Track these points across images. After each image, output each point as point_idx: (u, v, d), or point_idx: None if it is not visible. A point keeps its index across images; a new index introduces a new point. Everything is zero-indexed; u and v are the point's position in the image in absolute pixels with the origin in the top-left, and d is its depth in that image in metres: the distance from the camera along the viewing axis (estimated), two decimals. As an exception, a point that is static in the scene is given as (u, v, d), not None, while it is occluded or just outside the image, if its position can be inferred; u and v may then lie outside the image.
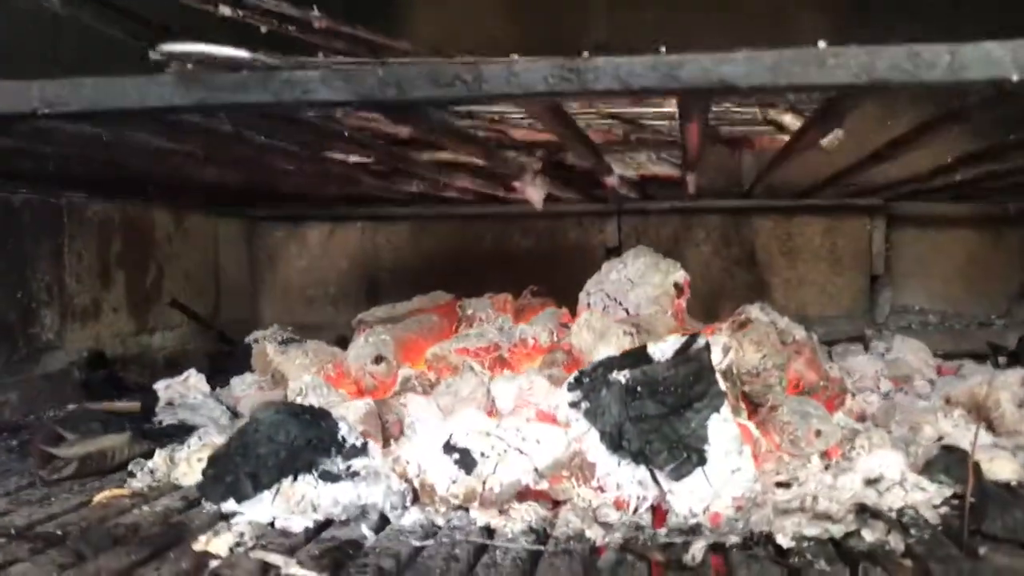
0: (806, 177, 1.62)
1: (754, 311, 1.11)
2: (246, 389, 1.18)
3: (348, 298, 1.84)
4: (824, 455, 0.90)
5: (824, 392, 1.10)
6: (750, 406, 0.95)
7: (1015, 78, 0.46)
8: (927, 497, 0.77)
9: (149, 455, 0.91)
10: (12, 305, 1.21)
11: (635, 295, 1.19)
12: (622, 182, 1.17)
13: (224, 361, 1.42)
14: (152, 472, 0.88)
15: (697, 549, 0.65)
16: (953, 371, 1.33)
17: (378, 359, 1.09)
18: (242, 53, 0.65)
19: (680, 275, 1.20)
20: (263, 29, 0.67)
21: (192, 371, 1.16)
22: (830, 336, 1.61)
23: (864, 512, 0.68)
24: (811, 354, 1.13)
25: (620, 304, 1.19)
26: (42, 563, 0.64)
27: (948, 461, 0.80)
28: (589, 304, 1.22)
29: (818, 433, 0.91)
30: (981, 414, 1.00)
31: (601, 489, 0.77)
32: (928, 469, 0.80)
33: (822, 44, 0.45)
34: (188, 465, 0.86)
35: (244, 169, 1.08)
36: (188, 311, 1.49)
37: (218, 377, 1.22)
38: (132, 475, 0.87)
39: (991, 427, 1.00)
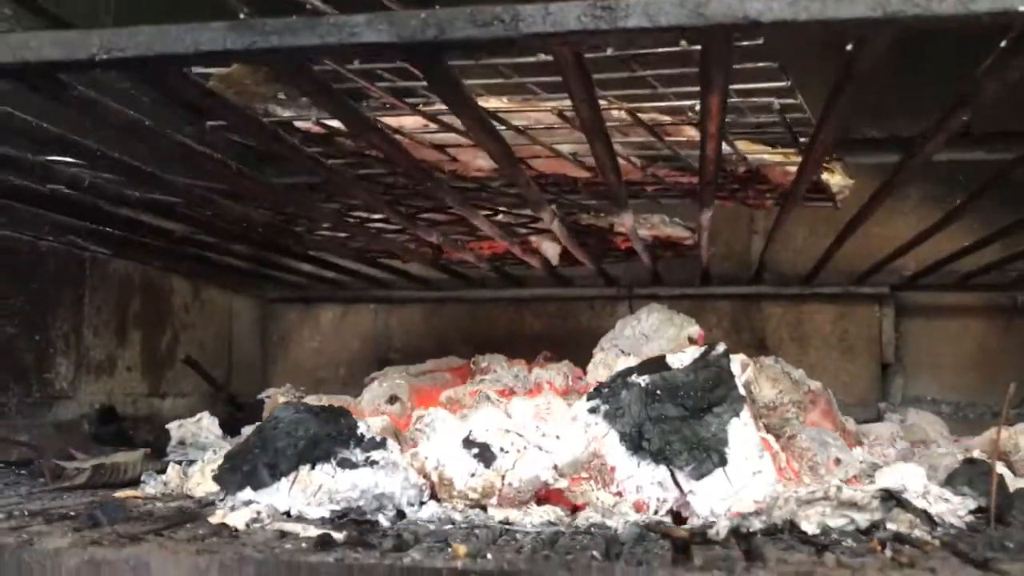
0: (812, 261, 1.65)
1: (767, 360, 1.11)
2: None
3: (358, 379, 1.83)
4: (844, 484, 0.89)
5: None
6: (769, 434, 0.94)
7: (1021, 8, 0.48)
8: (951, 508, 0.76)
9: (162, 472, 0.90)
10: (30, 347, 1.22)
11: (649, 348, 1.19)
12: (636, 237, 1.19)
13: (234, 427, 1.41)
14: (165, 484, 0.87)
15: (721, 527, 0.64)
16: (967, 440, 1.32)
17: (392, 399, 1.09)
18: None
19: (695, 329, 1.21)
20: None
21: (205, 413, 1.15)
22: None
23: (890, 500, 0.67)
24: (827, 405, 1.13)
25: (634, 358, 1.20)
26: (57, 528, 0.63)
27: (971, 473, 0.79)
28: (605, 357, 1.22)
29: (838, 461, 0.90)
30: (1001, 457, 0.99)
31: (620, 494, 0.76)
32: (951, 481, 0.79)
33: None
34: (202, 475, 0.85)
35: (263, 212, 1.10)
36: (201, 370, 1.49)
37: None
38: (144, 483, 0.86)
39: (1011, 469, 0.99)
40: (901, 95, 1.57)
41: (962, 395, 1.82)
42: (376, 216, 1.17)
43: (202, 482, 0.85)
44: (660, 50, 0.71)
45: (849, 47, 0.56)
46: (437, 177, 0.90)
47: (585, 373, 1.22)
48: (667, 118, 0.89)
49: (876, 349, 1.83)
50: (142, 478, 0.88)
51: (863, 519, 0.68)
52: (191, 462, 0.93)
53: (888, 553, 0.59)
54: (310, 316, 1.91)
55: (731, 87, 0.77)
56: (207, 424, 1.14)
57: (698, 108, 0.71)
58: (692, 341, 1.21)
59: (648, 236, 1.29)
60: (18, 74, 0.59)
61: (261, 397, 1.33)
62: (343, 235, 1.28)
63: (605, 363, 1.05)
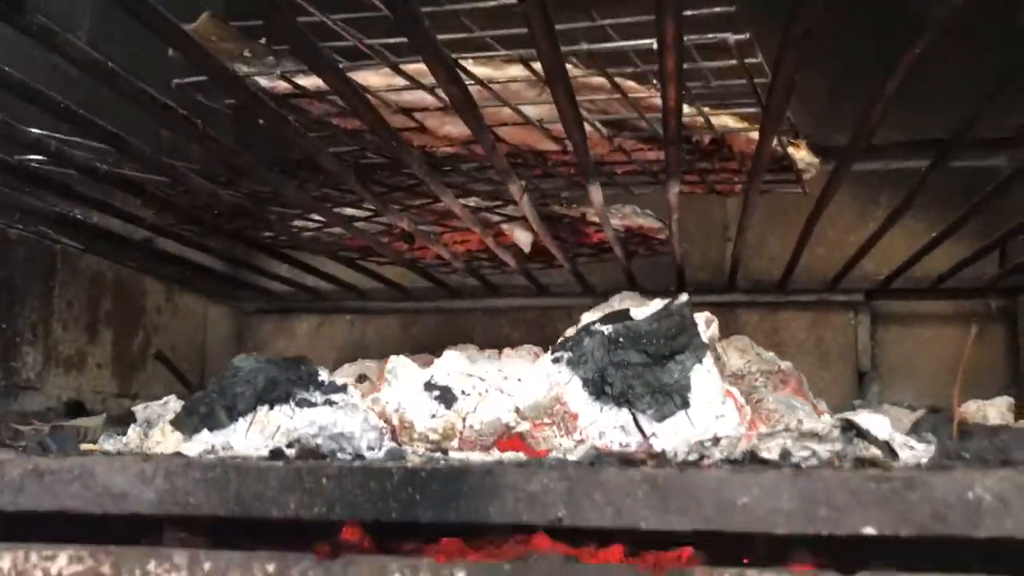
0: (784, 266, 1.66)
1: (736, 341, 1.11)
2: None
3: (334, 390, 1.83)
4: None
5: (812, 420, 1.09)
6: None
7: None
8: (916, 454, 0.76)
9: (123, 433, 0.89)
10: (-4, 334, 1.21)
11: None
12: (607, 223, 1.20)
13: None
14: (125, 444, 0.86)
15: (680, 451, 0.64)
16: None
17: (361, 377, 1.09)
18: None
19: (665, 314, 1.21)
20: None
21: (172, 396, 1.14)
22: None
23: (851, 430, 0.67)
24: (798, 384, 1.13)
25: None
26: (6, 452, 0.62)
27: (935, 421, 0.79)
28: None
29: (800, 423, 0.90)
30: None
31: (583, 440, 0.76)
32: (915, 429, 0.79)
33: None
34: (162, 434, 0.84)
35: (231, 194, 1.10)
36: (172, 367, 1.48)
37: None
38: (103, 442, 0.85)
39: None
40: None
41: (938, 401, 1.80)
42: (347, 200, 1.18)
43: (162, 441, 0.84)
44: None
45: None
46: (406, 139, 0.91)
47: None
48: (631, 83, 0.90)
49: (852, 356, 1.83)
50: (100, 439, 0.86)
51: (824, 450, 0.67)
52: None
53: (846, 466, 0.59)
54: (286, 327, 1.90)
55: (689, 39, 0.79)
56: (173, 407, 1.13)
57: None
58: (663, 326, 1.20)
59: (620, 227, 1.30)
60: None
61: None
62: (315, 225, 1.28)
63: (574, 338, 1.04)
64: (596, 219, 1.22)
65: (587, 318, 0.86)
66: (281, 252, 1.48)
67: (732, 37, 0.72)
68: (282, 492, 0.52)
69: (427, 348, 1.88)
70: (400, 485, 0.51)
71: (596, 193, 1.06)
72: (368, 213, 1.23)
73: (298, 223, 1.28)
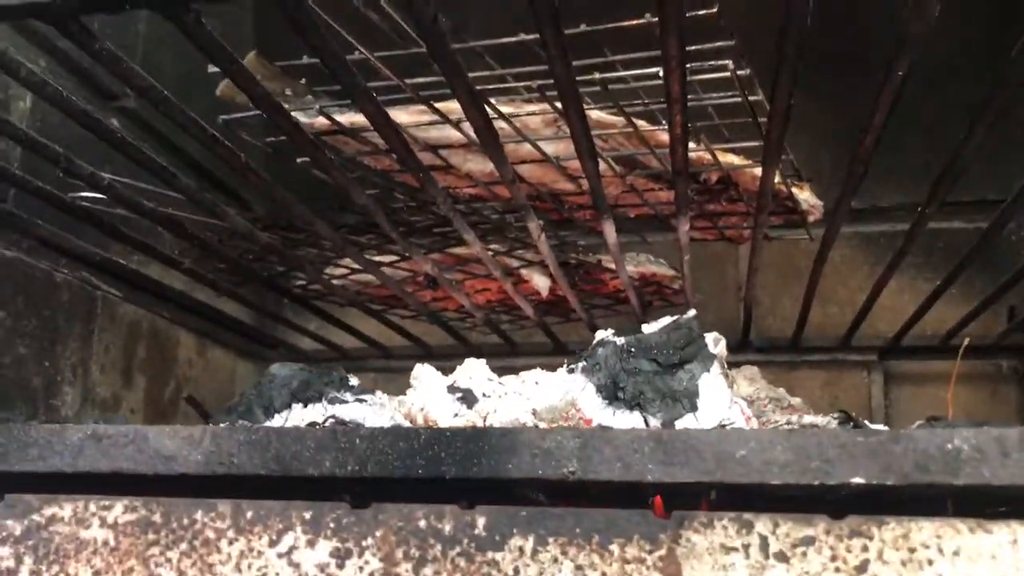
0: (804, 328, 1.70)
1: (746, 371, 1.16)
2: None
3: (357, 447, 1.87)
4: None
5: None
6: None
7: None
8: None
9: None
10: (39, 371, 1.26)
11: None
12: (622, 267, 1.25)
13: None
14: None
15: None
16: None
17: (386, 408, 1.13)
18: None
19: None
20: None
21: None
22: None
23: (848, 421, 0.71)
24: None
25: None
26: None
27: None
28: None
29: (803, 417, 0.94)
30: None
31: (597, 444, 0.80)
32: (915, 437, 0.83)
33: None
34: (199, 444, 0.89)
35: (267, 235, 1.17)
36: (202, 409, 1.52)
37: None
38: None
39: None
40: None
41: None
42: (374, 244, 1.24)
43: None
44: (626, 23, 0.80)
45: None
46: (431, 176, 0.97)
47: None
48: (641, 121, 0.97)
49: (866, 415, 1.85)
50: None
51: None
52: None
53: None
54: (311, 385, 1.95)
55: (693, 70, 0.86)
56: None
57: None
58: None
59: (635, 273, 1.35)
60: (52, 16, 0.67)
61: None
62: (343, 272, 1.34)
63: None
64: (611, 265, 1.28)
65: (601, 334, 0.91)
66: (310, 303, 1.54)
67: (733, 67, 0.78)
68: (319, 451, 0.56)
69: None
70: (427, 444, 0.56)
71: (610, 231, 1.12)
72: (394, 258, 1.29)
73: (328, 270, 1.35)
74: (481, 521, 0.54)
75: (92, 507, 0.57)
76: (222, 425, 0.62)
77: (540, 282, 1.31)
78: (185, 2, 0.66)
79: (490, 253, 1.24)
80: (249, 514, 0.56)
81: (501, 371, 1.89)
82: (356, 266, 1.30)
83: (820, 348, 1.82)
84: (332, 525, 0.56)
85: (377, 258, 1.29)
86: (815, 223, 1.21)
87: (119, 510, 0.57)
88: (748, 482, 0.53)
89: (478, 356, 1.86)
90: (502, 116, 0.90)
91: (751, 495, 0.54)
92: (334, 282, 1.39)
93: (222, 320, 1.54)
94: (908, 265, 1.81)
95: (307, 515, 0.56)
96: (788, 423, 0.71)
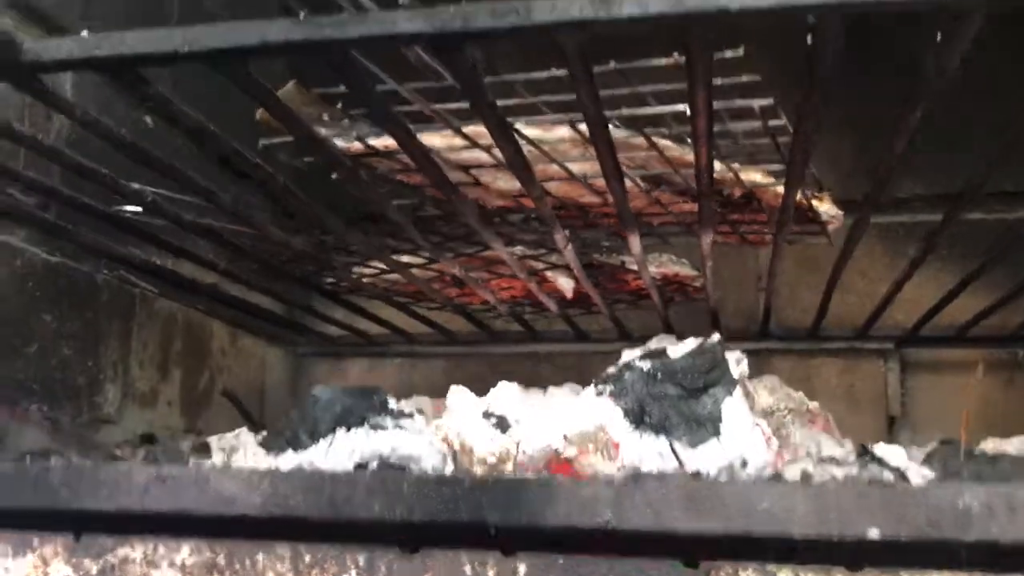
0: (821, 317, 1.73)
1: (766, 379, 1.19)
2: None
3: (383, 430, 1.92)
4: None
5: (839, 457, 1.16)
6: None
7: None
8: (927, 479, 0.83)
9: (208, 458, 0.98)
10: (83, 370, 1.31)
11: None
12: (645, 269, 1.29)
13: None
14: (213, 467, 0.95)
15: (712, 471, 0.72)
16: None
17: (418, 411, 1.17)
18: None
19: (700, 356, 1.29)
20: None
21: (243, 428, 1.23)
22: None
23: (866, 455, 0.75)
24: (826, 423, 1.20)
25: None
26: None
27: (946, 453, 0.86)
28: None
29: (822, 450, 0.97)
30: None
31: (623, 466, 0.84)
32: (928, 460, 0.86)
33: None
34: (245, 456, 0.94)
35: (302, 240, 1.21)
36: (239, 404, 1.58)
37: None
38: (192, 464, 0.95)
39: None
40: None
41: (967, 447, 1.86)
42: (405, 248, 1.28)
43: (248, 460, 0.93)
44: (655, 62, 0.82)
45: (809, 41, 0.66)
46: (462, 194, 1.01)
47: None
48: (666, 142, 0.99)
49: (882, 402, 1.90)
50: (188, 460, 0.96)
51: (841, 473, 0.75)
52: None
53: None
54: (338, 370, 2.00)
55: (718, 104, 0.88)
56: (245, 439, 1.22)
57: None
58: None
59: (657, 274, 1.38)
60: (111, 68, 0.70)
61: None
62: (373, 271, 1.38)
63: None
64: (634, 267, 1.31)
65: (627, 356, 0.94)
66: (339, 297, 1.58)
67: (757, 104, 0.80)
68: (369, 496, 0.61)
69: (471, 391, 1.97)
70: (470, 491, 0.60)
71: (635, 242, 1.15)
72: (423, 260, 1.33)
73: (357, 269, 1.39)
74: (522, 568, 0.59)
75: (161, 549, 0.62)
76: (278, 466, 0.66)
77: (565, 284, 1.35)
78: (243, 62, 0.70)
79: (516, 255, 1.27)
80: (307, 557, 0.61)
81: (524, 357, 1.94)
82: (385, 267, 1.34)
83: (838, 337, 1.85)
84: (384, 569, 0.60)
85: (405, 258, 1.33)
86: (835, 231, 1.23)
87: (185, 552, 0.61)
88: (770, 534, 0.57)
89: (501, 343, 1.91)
90: (531, 143, 0.93)
91: (772, 546, 0.57)
92: (363, 280, 1.43)
93: (254, 311, 1.59)
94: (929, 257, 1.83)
95: (361, 560, 0.60)
96: (808, 454, 0.74)
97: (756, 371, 1.91)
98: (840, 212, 1.19)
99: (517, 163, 0.90)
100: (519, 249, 1.32)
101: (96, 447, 1.04)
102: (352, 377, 2.00)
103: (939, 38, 0.66)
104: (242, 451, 0.96)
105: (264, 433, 1.19)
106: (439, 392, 1.97)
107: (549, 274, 1.36)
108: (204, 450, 1.26)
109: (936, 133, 1.71)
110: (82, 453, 1.15)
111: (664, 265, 1.38)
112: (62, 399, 1.27)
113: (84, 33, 0.70)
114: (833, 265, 1.37)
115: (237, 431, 1.23)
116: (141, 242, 1.21)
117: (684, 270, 1.40)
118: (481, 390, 1.93)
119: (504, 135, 0.83)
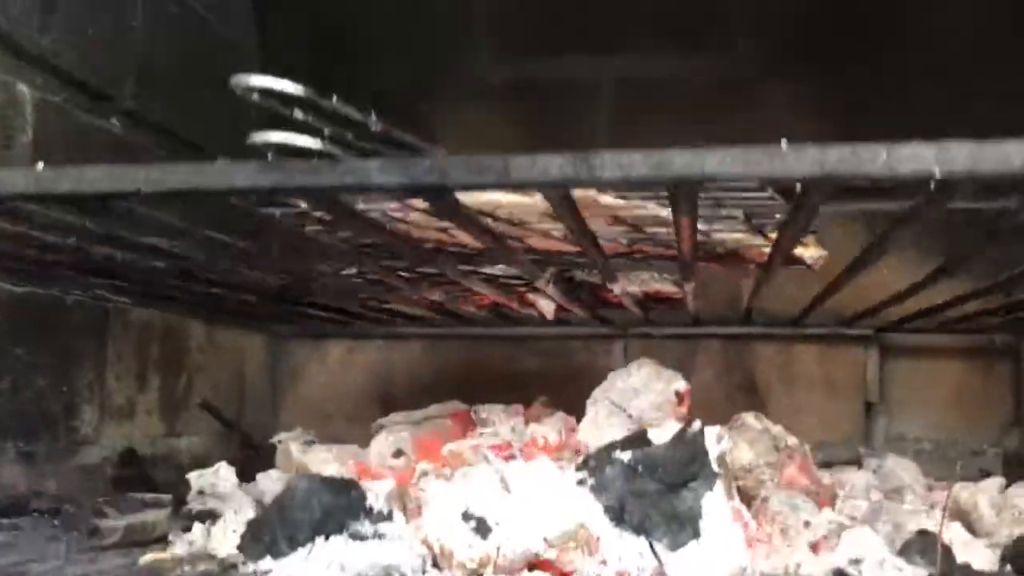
0: (799, 305, 1.72)
1: (749, 418, 1.20)
2: (271, 485, 1.25)
3: (363, 412, 1.91)
4: (813, 548, 0.97)
5: (815, 496, 1.16)
6: (745, 499, 1.02)
7: (935, 170, 0.56)
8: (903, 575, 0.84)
9: (188, 530, 0.98)
10: (58, 398, 1.30)
11: (639, 402, 1.27)
12: (626, 294, 1.27)
13: (248, 466, 1.49)
14: (191, 543, 0.95)
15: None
16: (941, 488, 1.39)
17: (398, 453, 1.17)
18: (316, 144, 0.76)
19: (681, 384, 1.29)
20: (326, 131, 0.79)
21: (223, 464, 1.23)
22: (828, 459, 1.68)
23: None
24: (803, 460, 1.20)
25: (624, 410, 1.27)
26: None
27: (923, 544, 0.86)
28: (596, 412, 1.30)
29: (807, 524, 0.98)
30: (961, 517, 1.07)
31: (604, 562, 0.84)
32: (905, 552, 0.87)
33: (784, 143, 0.56)
34: (223, 535, 0.93)
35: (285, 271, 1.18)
36: (216, 413, 1.57)
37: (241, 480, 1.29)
38: (171, 543, 0.94)
39: (971, 529, 1.07)
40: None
41: (943, 433, 1.90)
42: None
43: (224, 543, 0.93)
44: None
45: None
46: (439, 254, 0.98)
47: (579, 422, 1.30)
48: (651, 204, 0.97)
49: (861, 388, 1.91)
50: (169, 537, 0.96)
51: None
52: (214, 517, 1.01)
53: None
54: (319, 352, 1.99)
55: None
56: (224, 474, 1.22)
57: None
58: (679, 395, 1.28)
59: (638, 292, 1.37)
60: (75, 202, 0.67)
61: (273, 441, 1.41)
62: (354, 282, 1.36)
63: (596, 422, 1.13)
64: (616, 290, 1.30)
65: (609, 436, 0.94)
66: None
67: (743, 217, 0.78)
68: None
69: (449, 375, 1.97)
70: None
71: (616, 285, 1.13)
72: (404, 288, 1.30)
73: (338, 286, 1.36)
74: None
75: None
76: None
77: (545, 307, 1.33)
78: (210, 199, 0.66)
79: (499, 279, 1.25)
80: None
81: (503, 339, 1.93)
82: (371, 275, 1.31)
83: (818, 323, 1.84)
84: None
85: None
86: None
87: None
88: None
89: (480, 325, 1.90)
90: (513, 224, 0.91)
91: None
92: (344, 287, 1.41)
93: (233, 308, 1.56)
94: (910, 244, 1.82)
95: None
96: (786, 573, 0.74)
97: (738, 357, 1.92)
98: (824, 252, 1.18)
99: (496, 247, 0.88)
100: (499, 269, 1.30)
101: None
102: (332, 360, 1.99)
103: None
104: (221, 525, 0.95)
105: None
106: (417, 374, 1.98)
107: (530, 296, 1.34)
108: (181, 492, 1.24)
109: (919, 120, 1.68)
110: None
111: (646, 283, 1.36)
112: (39, 430, 1.26)
113: (39, 166, 0.67)
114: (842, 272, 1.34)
115: (216, 467, 1.22)
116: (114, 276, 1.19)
117: (666, 287, 1.38)
118: (460, 374, 1.93)
119: (487, 235, 0.81)
